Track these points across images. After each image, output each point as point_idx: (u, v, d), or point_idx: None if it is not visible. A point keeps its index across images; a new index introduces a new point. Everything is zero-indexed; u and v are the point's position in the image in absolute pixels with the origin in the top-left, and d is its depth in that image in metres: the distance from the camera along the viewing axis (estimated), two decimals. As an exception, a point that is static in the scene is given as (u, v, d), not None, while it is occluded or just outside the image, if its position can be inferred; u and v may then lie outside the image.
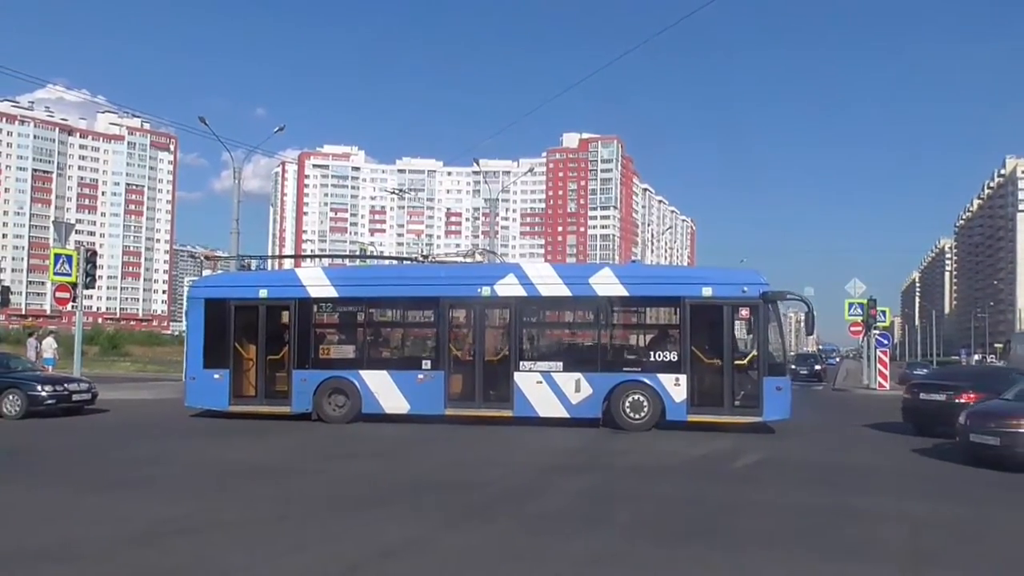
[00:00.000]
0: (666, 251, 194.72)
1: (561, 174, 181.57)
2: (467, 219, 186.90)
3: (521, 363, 15.89)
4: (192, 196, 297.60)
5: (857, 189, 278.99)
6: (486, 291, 16.25)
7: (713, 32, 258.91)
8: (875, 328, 32.90)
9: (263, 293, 17.11)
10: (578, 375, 15.72)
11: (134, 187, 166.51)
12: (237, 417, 16.64)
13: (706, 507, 8.79)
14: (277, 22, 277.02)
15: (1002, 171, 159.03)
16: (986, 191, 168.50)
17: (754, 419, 15.33)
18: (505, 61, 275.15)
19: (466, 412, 15.91)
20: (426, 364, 16.22)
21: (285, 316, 17.06)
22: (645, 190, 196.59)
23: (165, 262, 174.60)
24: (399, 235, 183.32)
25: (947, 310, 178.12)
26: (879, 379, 32.32)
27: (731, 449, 13.46)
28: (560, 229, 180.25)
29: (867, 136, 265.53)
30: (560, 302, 16.64)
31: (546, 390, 15.73)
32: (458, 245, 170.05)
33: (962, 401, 14.72)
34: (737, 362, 15.46)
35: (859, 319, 32.61)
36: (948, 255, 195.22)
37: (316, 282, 17.13)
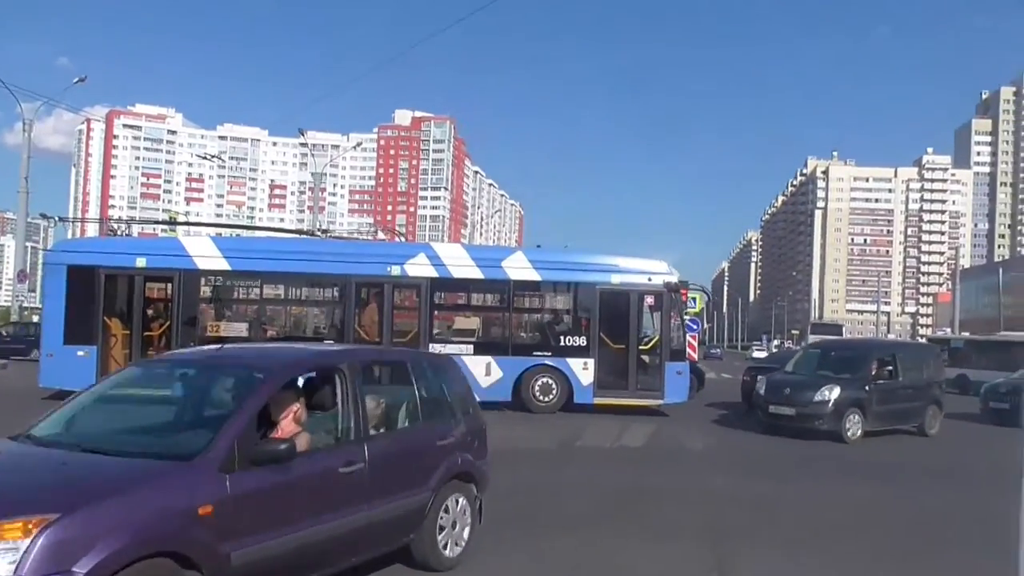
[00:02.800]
0: (494, 234, 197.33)
1: (392, 152, 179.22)
2: (292, 192, 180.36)
3: (431, 345, 15.44)
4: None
5: (675, 178, 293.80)
6: (395, 270, 15.64)
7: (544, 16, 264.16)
8: (685, 313, 34.80)
9: (140, 262, 15.43)
10: (489, 358, 15.55)
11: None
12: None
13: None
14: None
15: (804, 170, 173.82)
16: (790, 189, 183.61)
17: (656, 402, 15.97)
18: (340, 29, 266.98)
19: None
20: (329, 344, 15.36)
21: (167, 289, 15.59)
22: (476, 172, 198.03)
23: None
24: (218, 205, 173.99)
25: (752, 298, 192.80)
26: (688, 362, 34.23)
27: (572, 434, 13.56)
28: (390, 208, 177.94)
29: (690, 127, 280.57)
30: (472, 284, 16.37)
31: None
32: (282, 219, 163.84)
33: None
34: (641, 347, 16.05)
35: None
36: (754, 247, 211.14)
37: (204, 252, 15.68)
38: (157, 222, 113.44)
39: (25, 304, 42.41)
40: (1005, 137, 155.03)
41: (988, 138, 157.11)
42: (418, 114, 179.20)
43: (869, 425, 13.94)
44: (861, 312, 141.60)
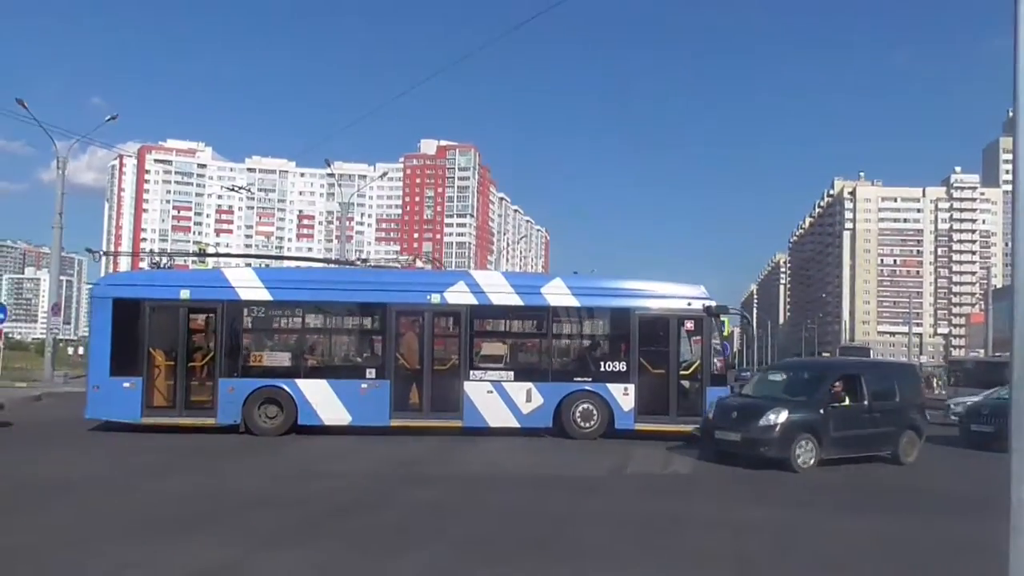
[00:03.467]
0: (521, 260, 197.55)
1: (418, 180, 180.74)
2: (320, 223, 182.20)
3: (471, 372, 15.53)
4: (16, 187, 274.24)
5: (702, 201, 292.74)
6: (435, 298, 15.75)
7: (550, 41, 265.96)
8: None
9: (185, 294, 15.69)
10: (529, 385, 15.59)
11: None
12: (141, 430, 15.02)
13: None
14: (123, 9, 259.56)
15: (831, 191, 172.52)
16: (817, 210, 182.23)
17: (697, 427, 15.72)
18: (363, 60, 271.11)
19: (413, 423, 15.35)
20: (370, 373, 15.48)
21: (211, 320, 15.80)
22: (501, 199, 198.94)
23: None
24: (247, 236, 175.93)
25: (781, 321, 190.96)
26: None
27: (585, 460, 13.60)
28: (416, 236, 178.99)
29: (716, 148, 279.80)
30: (511, 311, 16.44)
31: (496, 400, 15.46)
32: (310, 249, 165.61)
33: None
34: (682, 372, 16.01)
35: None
36: (783, 269, 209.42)
37: (247, 283, 15.92)
38: (188, 254, 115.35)
39: (60, 336, 43.02)
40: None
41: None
42: (443, 143, 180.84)
43: (825, 453, 12.59)
44: (893, 334, 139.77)
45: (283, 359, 15.81)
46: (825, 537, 8.37)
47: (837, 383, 13.25)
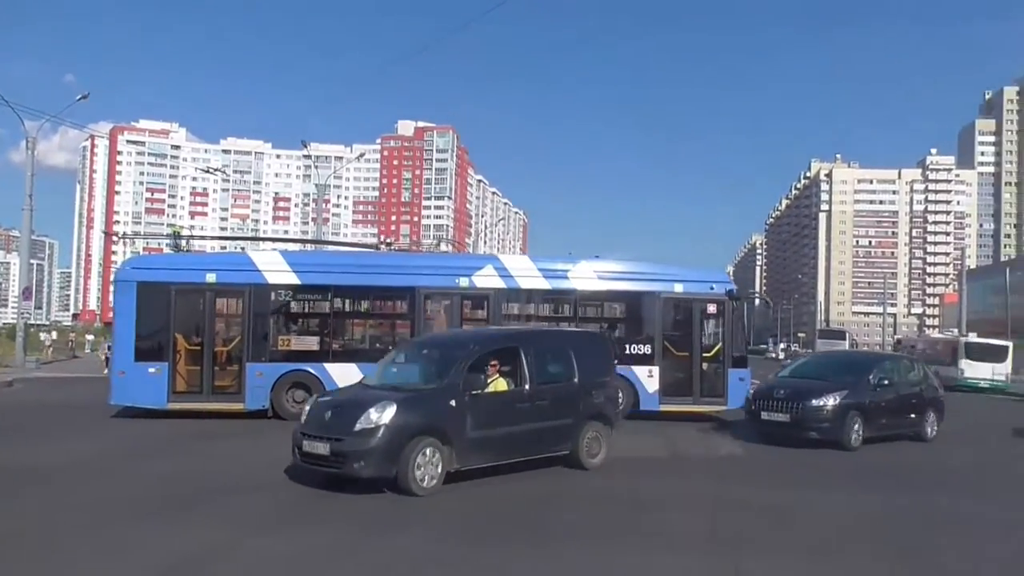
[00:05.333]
0: (499, 242, 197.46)
1: (396, 162, 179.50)
2: (296, 204, 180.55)
3: None
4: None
5: (678, 183, 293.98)
6: (464, 282, 15.86)
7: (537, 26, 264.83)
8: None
9: (211, 278, 15.57)
10: None
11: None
12: (165, 416, 14.97)
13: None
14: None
15: (808, 173, 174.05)
16: (793, 191, 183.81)
17: (720, 408, 16.16)
18: (341, 40, 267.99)
19: None
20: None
21: (238, 304, 15.71)
22: (479, 181, 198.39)
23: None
24: (222, 219, 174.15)
25: (757, 302, 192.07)
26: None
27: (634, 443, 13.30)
28: (394, 218, 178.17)
29: (692, 131, 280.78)
30: (539, 294, 16.54)
31: None
32: (286, 231, 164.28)
33: None
34: (705, 355, 16.29)
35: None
36: (759, 250, 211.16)
37: (274, 267, 15.88)
38: (162, 236, 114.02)
39: (31, 321, 42.12)
40: (1009, 137, 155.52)
41: (992, 138, 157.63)
42: (420, 124, 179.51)
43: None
44: (867, 314, 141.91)
45: (311, 343, 15.82)
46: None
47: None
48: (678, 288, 16.31)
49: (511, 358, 9.92)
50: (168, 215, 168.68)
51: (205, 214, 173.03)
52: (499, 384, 9.68)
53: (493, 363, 9.69)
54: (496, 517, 8.05)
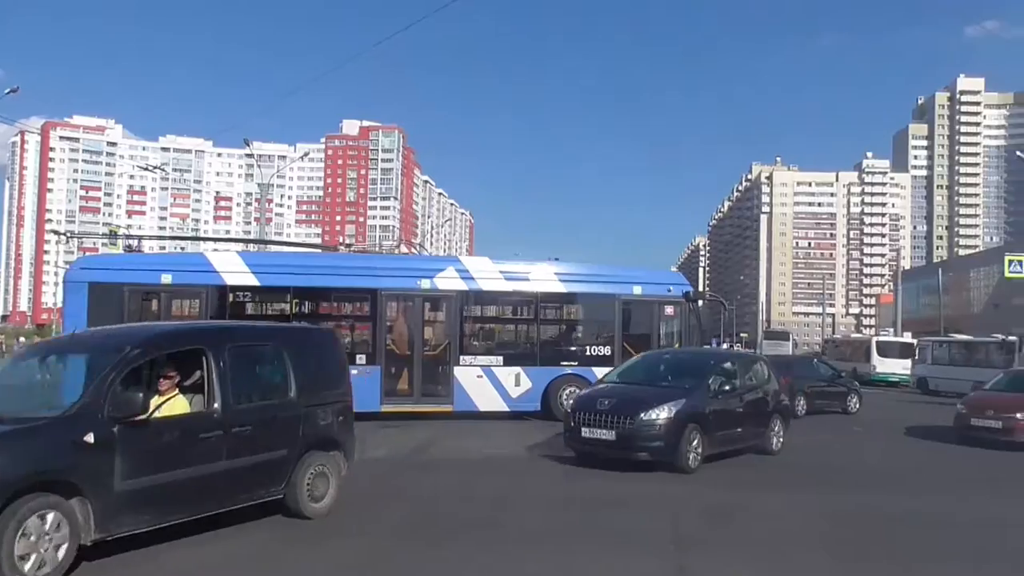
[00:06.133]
0: (445, 243, 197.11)
1: (340, 161, 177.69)
2: (238, 204, 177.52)
3: (461, 357, 15.72)
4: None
5: (622, 184, 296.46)
6: (425, 283, 15.89)
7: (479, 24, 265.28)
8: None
9: (166, 279, 15.25)
10: (518, 369, 15.93)
11: None
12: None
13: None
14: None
15: (749, 176, 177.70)
16: (735, 194, 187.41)
17: None
18: (283, 38, 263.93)
19: (403, 408, 15.50)
20: (360, 359, 15.45)
21: (194, 305, 15.48)
22: (426, 182, 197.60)
23: None
24: (161, 218, 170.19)
25: (701, 303, 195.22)
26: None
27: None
28: (339, 219, 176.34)
29: (636, 132, 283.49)
30: (500, 296, 16.71)
31: (486, 384, 15.76)
32: (228, 231, 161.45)
33: None
34: None
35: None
36: (702, 252, 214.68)
37: (232, 268, 15.63)
38: (98, 235, 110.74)
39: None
40: (940, 141, 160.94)
41: (924, 142, 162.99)
42: (366, 123, 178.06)
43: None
44: (807, 315, 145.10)
45: None
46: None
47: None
48: (637, 290, 16.61)
49: (192, 366, 7.02)
50: (104, 214, 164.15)
51: (143, 213, 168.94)
52: (175, 405, 6.74)
53: (170, 374, 6.81)
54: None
